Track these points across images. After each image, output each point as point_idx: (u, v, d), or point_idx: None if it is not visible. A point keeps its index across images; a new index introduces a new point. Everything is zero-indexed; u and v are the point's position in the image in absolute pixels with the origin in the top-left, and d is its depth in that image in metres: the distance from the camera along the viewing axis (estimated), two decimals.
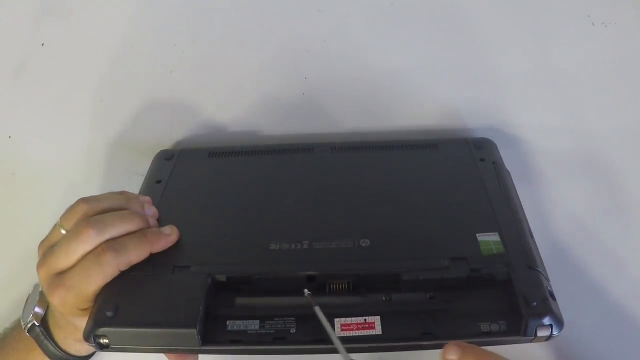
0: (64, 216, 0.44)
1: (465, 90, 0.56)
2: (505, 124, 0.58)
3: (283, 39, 0.54)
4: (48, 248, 0.44)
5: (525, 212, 0.48)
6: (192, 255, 0.44)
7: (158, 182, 0.53)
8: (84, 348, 0.49)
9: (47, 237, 0.45)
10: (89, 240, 0.41)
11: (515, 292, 0.39)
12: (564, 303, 0.40)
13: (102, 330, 0.39)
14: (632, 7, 0.52)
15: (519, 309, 0.38)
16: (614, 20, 0.52)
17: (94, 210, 0.44)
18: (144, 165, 0.56)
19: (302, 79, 0.56)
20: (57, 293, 0.41)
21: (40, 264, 0.43)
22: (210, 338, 0.39)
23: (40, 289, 0.48)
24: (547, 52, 0.54)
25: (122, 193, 0.47)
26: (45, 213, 0.49)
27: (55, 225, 0.45)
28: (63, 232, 0.44)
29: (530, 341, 0.38)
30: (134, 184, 0.54)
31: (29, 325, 0.48)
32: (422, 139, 0.57)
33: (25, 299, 0.50)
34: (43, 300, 0.48)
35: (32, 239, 0.46)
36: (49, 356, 0.48)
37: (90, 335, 0.39)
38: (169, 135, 0.59)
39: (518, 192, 0.50)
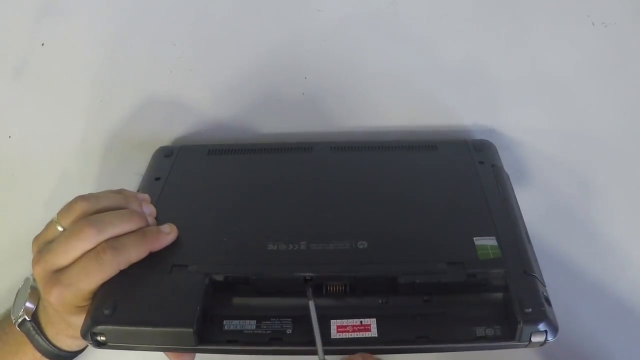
0: (61, 213, 0.44)
1: (464, 91, 0.56)
2: (504, 126, 0.58)
3: (283, 39, 0.54)
4: (44, 244, 0.43)
5: (522, 214, 0.48)
6: (190, 255, 0.44)
7: (157, 179, 0.53)
8: (75, 343, 0.49)
9: (42, 233, 0.45)
10: (89, 239, 0.41)
11: (511, 297, 0.39)
12: (559, 303, 0.40)
13: (99, 328, 0.39)
14: (632, 7, 0.52)
15: (514, 314, 0.38)
16: (614, 20, 0.52)
17: (93, 209, 0.44)
18: (144, 164, 0.56)
19: (302, 79, 0.56)
20: (55, 290, 0.41)
21: (36, 261, 0.43)
22: (207, 338, 0.39)
23: (30, 284, 0.48)
24: (547, 52, 0.54)
25: (120, 191, 0.47)
26: (45, 213, 0.49)
27: (51, 222, 0.44)
28: (60, 229, 0.43)
29: (525, 347, 0.38)
30: (133, 183, 0.55)
31: (19, 320, 0.48)
32: (422, 140, 0.57)
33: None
34: (34, 295, 0.48)
35: (32, 238, 0.45)
36: (39, 351, 0.48)
37: (87, 332, 0.40)
38: (169, 134, 0.59)
39: (515, 193, 0.50)
